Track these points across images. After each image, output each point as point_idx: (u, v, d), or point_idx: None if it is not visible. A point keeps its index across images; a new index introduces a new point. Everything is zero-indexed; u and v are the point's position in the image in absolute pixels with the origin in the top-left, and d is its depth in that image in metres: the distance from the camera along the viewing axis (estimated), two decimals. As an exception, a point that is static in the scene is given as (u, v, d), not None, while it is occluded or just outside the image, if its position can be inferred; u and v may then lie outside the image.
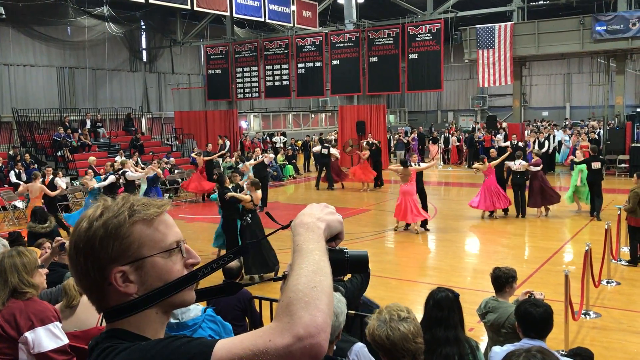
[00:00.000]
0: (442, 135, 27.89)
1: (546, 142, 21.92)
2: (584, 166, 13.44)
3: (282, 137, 28.82)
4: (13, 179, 17.16)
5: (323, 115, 39.34)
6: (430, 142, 28.05)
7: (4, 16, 18.25)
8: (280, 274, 1.40)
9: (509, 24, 21.39)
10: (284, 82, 25.59)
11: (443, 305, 3.39)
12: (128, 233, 1.21)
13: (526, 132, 24.33)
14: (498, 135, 23.14)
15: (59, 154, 20.33)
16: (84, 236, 1.22)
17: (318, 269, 1.13)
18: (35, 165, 18.51)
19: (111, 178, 13.01)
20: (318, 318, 1.06)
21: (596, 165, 13.19)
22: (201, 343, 1.10)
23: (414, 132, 29.28)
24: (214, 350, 1.07)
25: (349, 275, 4.47)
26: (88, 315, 3.46)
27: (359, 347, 3.01)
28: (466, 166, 24.70)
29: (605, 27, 19.69)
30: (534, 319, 3.56)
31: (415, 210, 12.05)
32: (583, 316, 7.11)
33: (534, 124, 31.37)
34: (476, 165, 13.95)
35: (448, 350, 3.27)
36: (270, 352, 1.04)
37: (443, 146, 27.56)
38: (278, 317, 1.08)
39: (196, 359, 1.06)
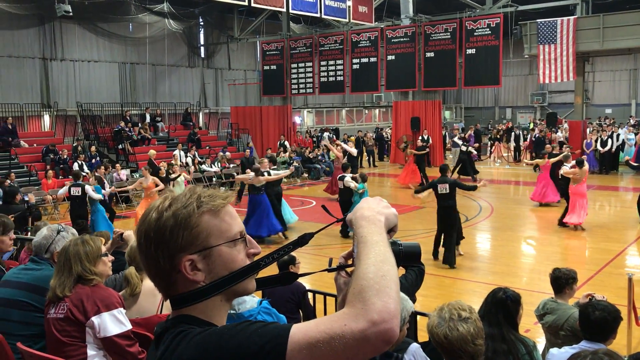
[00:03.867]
0: (512, 133, 27.05)
1: (609, 140, 21.13)
2: None
3: (328, 134, 29.01)
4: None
5: (377, 110, 39.17)
6: (495, 141, 27.46)
7: (70, 14, 18.96)
8: (333, 265, 1.45)
9: (572, 18, 20.67)
10: (339, 78, 25.56)
11: (488, 302, 3.48)
12: (197, 223, 1.26)
13: (588, 130, 23.49)
14: (559, 133, 22.44)
15: (120, 146, 21.04)
16: (154, 225, 1.26)
17: (385, 259, 1.18)
18: (98, 158, 19.33)
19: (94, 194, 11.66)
20: (390, 305, 1.11)
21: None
22: (277, 327, 1.14)
23: (470, 129, 28.72)
24: (290, 333, 1.11)
25: (402, 271, 4.46)
26: (149, 303, 3.57)
27: (415, 347, 3.00)
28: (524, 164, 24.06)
29: (675, 21, 18.79)
30: (589, 321, 3.51)
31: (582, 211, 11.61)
32: (647, 321, 6.84)
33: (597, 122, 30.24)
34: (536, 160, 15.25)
35: (497, 346, 3.24)
36: (347, 336, 1.08)
37: (514, 143, 26.85)
38: (351, 304, 1.12)
39: (274, 342, 1.10)
